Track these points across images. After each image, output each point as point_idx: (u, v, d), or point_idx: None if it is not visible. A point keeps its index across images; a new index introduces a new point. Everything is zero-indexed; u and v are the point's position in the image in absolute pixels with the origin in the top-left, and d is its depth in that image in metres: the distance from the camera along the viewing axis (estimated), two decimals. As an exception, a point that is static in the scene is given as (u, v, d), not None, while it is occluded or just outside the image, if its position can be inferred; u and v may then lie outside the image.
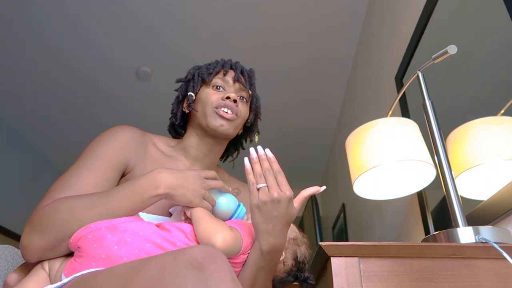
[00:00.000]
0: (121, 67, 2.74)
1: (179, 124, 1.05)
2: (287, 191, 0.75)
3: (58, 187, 0.78)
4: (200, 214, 0.77)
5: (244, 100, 0.99)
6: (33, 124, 3.29)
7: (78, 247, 0.70)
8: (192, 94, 0.97)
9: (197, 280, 0.51)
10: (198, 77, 0.99)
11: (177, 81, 1.05)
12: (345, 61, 2.69)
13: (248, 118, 1.01)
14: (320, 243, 0.74)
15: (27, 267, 0.79)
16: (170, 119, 1.06)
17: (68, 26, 2.42)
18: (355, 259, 0.73)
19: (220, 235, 0.72)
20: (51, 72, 2.76)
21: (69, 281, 0.66)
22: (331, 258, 0.73)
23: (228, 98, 0.93)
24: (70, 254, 0.75)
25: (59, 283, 0.68)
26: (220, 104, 0.93)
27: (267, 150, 0.77)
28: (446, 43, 1.14)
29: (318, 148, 3.68)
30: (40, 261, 0.74)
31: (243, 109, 0.97)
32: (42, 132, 3.40)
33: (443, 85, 1.30)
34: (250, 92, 1.00)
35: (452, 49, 0.98)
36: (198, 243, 0.74)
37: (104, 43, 2.55)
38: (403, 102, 1.64)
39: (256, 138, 1.05)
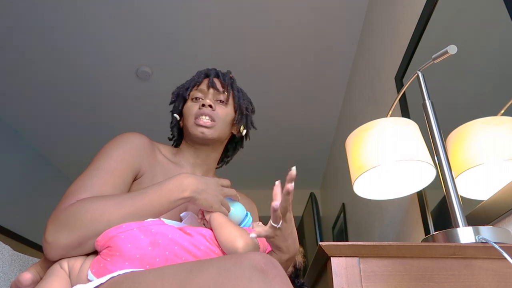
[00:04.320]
0: (121, 67, 2.74)
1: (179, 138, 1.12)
2: (290, 207, 0.76)
3: (79, 187, 0.80)
4: (221, 220, 0.81)
5: (223, 102, 1.03)
6: (33, 124, 3.29)
7: (108, 246, 0.72)
8: (176, 116, 1.06)
9: (261, 283, 0.53)
10: (179, 96, 1.06)
11: (170, 104, 1.11)
12: (345, 61, 2.69)
13: (235, 117, 1.05)
14: (320, 243, 0.74)
15: (42, 267, 0.79)
16: (172, 138, 1.13)
17: (68, 26, 2.42)
18: (355, 259, 0.73)
19: (242, 241, 0.76)
20: (51, 72, 2.76)
21: (107, 281, 0.66)
22: (331, 258, 0.73)
23: (203, 105, 0.99)
24: (90, 253, 0.76)
25: (94, 283, 0.67)
26: (198, 113, 0.99)
27: (293, 168, 0.72)
28: (446, 43, 1.14)
29: (318, 148, 3.68)
30: (57, 260, 0.75)
31: (222, 112, 1.01)
32: (42, 132, 3.40)
33: (443, 85, 1.30)
34: (226, 93, 1.04)
35: (452, 49, 0.98)
36: (218, 246, 0.78)
37: (104, 43, 2.55)
38: (403, 102, 1.64)
39: (241, 128, 1.07)
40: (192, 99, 1.03)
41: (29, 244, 3.31)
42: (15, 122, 3.26)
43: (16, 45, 2.52)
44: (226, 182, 0.90)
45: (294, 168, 0.70)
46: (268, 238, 0.78)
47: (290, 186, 0.70)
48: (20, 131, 3.38)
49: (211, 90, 1.03)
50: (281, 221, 0.75)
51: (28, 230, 3.32)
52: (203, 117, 0.98)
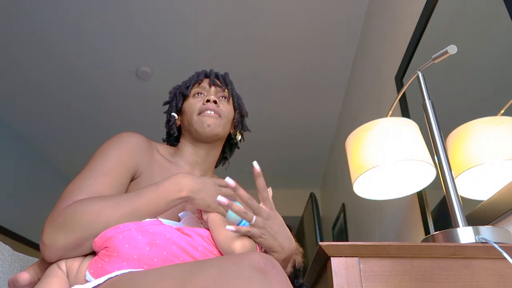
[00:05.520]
0: (121, 67, 2.74)
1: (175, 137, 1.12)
2: (267, 203, 0.78)
3: (75, 189, 0.79)
4: (219, 221, 0.80)
5: (225, 99, 1.05)
6: (33, 124, 3.29)
7: (106, 247, 0.71)
8: (174, 115, 1.05)
9: (262, 283, 0.52)
10: (178, 94, 1.05)
11: (164, 104, 1.11)
12: (345, 61, 2.69)
13: (234, 117, 1.07)
14: (320, 243, 0.74)
15: (40, 267, 0.78)
16: (166, 138, 1.13)
17: (68, 27, 2.42)
18: (355, 259, 0.73)
19: (239, 243, 0.75)
20: (51, 72, 2.76)
21: (104, 282, 0.66)
22: (331, 258, 0.73)
23: (208, 101, 0.99)
24: (88, 254, 0.76)
25: (91, 284, 0.67)
26: (202, 108, 0.99)
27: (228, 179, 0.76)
28: (446, 43, 1.14)
29: (318, 148, 3.68)
30: (56, 261, 0.75)
31: (226, 109, 1.02)
32: (43, 133, 3.40)
33: (443, 85, 1.30)
34: (227, 91, 1.06)
35: (452, 49, 0.98)
36: (215, 246, 0.77)
37: (104, 43, 2.55)
38: (403, 102, 1.64)
39: (237, 135, 1.09)
40: (194, 95, 1.04)
41: (29, 244, 3.31)
42: (15, 122, 3.26)
43: (16, 45, 2.52)
44: (224, 182, 0.88)
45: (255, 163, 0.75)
46: (254, 238, 0.76)
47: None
48: (20, 132, 3.38)
49: (213, 88, 1.04)
50: (254, 218, 0.74)
51: (28, 230, 3.32)
52: (208, 111, 0.98)
